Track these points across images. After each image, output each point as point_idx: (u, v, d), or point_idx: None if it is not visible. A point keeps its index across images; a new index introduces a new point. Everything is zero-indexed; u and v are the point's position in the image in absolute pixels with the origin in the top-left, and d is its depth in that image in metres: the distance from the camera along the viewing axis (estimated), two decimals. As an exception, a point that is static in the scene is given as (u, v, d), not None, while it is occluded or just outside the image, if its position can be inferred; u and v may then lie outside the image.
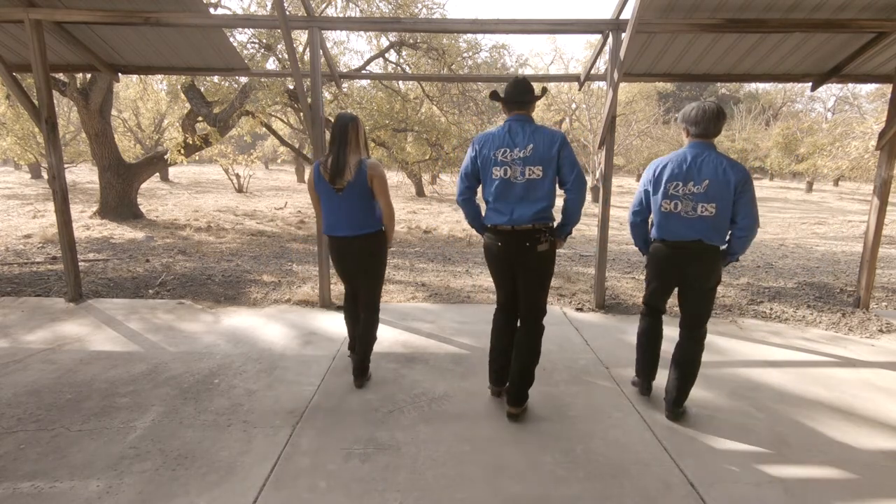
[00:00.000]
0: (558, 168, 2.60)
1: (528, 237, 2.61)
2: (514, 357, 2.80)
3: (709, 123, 2.58)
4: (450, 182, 15.22)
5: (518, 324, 2.84)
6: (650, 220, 2.84)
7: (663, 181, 2.64)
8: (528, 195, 2.60)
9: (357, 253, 3.01)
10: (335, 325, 4.19)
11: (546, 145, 2.58)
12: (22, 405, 2.83)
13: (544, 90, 2.83)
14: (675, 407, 2.79)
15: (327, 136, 3.52)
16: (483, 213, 2.82)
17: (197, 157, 14.77)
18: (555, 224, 2.73)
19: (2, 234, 8.49)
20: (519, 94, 2.65)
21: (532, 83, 2.73)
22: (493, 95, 2.75)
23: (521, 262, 2.67)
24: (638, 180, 34.66)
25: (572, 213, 2.70)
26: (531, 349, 2.77)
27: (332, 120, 2.99)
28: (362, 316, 3.16)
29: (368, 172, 2.89)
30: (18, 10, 4.13)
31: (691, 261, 2.67)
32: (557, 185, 2.66)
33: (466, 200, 2.81)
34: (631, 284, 5.83)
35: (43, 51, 4.31)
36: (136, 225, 9.81)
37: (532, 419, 2.80)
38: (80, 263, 5.41)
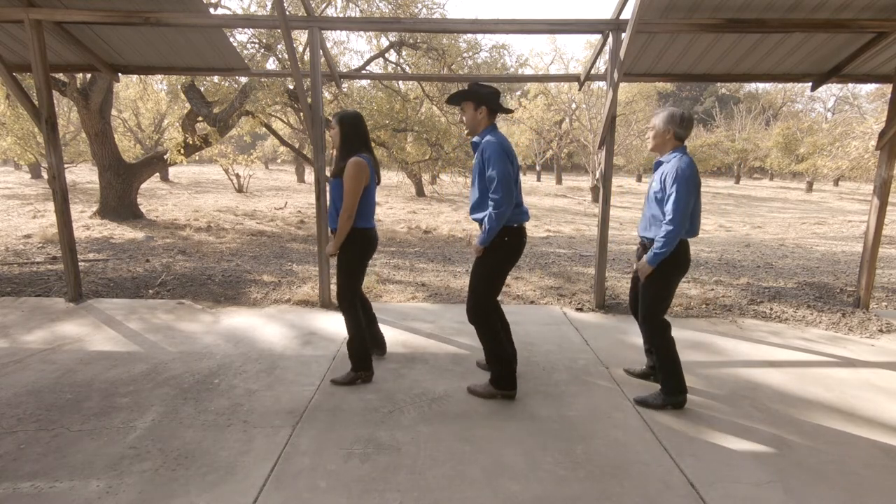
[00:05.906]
0: None
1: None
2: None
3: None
4: (449, 182, 15.20)
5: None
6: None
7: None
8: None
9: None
10: (335, 325, 4.19)
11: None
12: (22, 405, 2.83)
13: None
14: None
15: (328, 136, 3.46)
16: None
17: (197, 157, 14.78)
18: None
19: (2, 234, 8.49)
20: (499, 104, 2.89)
21: None
22: (500, 109, 2.88)
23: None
24: (638, 180, 34.57)
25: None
26: None
27: (346, 119, 2.94)
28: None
29: None
30: (18, 10, 4.13)
31: None
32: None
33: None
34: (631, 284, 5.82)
35: (43, 51, 4.31)
36: (135, 225, 9.81)
37: (532, 419, 2.80)
38: (80, 263, 5.41)
